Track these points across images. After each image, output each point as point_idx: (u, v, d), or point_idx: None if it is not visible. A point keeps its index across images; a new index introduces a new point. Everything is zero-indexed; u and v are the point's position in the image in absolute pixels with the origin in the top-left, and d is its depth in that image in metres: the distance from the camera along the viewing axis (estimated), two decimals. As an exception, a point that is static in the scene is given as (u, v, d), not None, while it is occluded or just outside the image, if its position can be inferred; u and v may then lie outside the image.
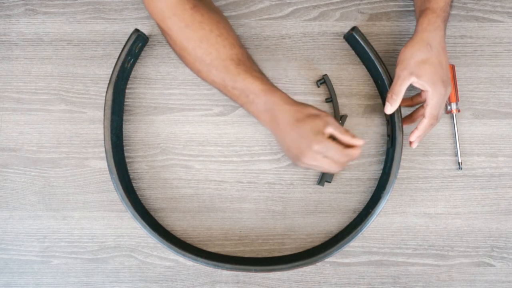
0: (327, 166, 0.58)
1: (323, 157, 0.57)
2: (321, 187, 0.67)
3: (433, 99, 0.59)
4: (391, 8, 0.68)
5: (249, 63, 0.61)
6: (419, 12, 0.62)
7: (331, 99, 0.66)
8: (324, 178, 0.66)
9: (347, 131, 0.57)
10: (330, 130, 0.56)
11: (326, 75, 0.66)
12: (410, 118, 0.65)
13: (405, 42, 0.67)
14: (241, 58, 0.60)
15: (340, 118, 0.65)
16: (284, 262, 0.63)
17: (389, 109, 0.61)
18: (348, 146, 0.57)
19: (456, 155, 0.67)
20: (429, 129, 0.62)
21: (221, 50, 0.59)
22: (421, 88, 0.59)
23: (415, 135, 0.62)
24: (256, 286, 0.66)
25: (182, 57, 0.62)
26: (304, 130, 0.56)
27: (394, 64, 0.67)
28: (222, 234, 0.67)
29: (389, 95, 0.60)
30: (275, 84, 0.67)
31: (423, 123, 0.61)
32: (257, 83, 0.59)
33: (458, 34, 0.68)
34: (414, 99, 0.65)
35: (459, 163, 0.66)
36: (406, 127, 0.67)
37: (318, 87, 0.67)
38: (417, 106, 0.66)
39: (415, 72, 0.58)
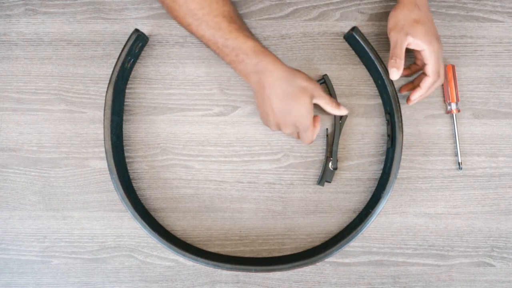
0: (299, 139, 0.64)
1: (299, 132, 0.61)
2: (321, 187, 0.67)
3: (432, 56, 0.60)
4: (391, 8, 0.68)
5: (240, 22, 0.61)
6: None
7: None
8: (324, 178, 0.65)
9: (332, 101, 0.61)
10: (315, 101, 0.60)
11: (326, 75, 0.66)
12: (411, 84, 0.66)
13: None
14: (233, 16, 0.60)
15: (340, 119, 0.65)
16: (284, 262, 0.63)
17: (395, 73, 0.60)
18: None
19: (456, 155, 0.67)
20: (433, 88, 0.62)
21: (214, 6, 0.59)
22: (417, 48, 0.60)
23: (417, 93, 0.62)
24: (256, 286, 0.66)
25: (171, 9, 0.61)
26: (292, 106, 0.59)
27: (394, 64, 0.67)
28: (222, 234, 0.67)
29: (392, 61, 0.59)
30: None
31: (427, 81, 0.61)
32: (249, 43, 0.58)
33: (458, 34, 0.68)
34: (412, 67, 0.66)
35: (459, 163, 0.67)
36: (406, 127, 0.67)
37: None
38: (415, 76, 0.67)
39: (410, 32, 0.59)
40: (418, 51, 0.61)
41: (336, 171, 0.67)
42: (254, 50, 0.58)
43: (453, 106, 0.66)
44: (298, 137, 0.63)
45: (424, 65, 0.61)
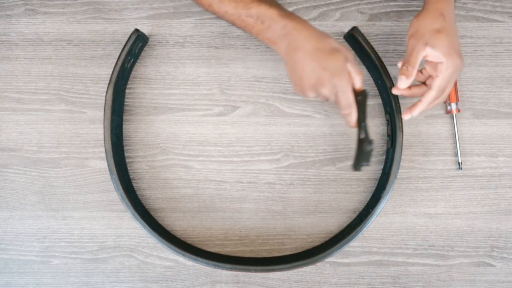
0: (336, 101, 0.57)
1: (337, 92, 0.56)
2: (320, 187, 0.67)
3: (447, 70, 0.56)
4: (391, 8, 0.68)
5: None
6: None
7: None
8: (361, 161, 0.59)
9: (361, 72, 0.58)
10: (349, 66, 0.56)
11: (364, 90, 0.59)
12: (409, 89, 0.61)
13: (406, 42, 0.67)
14: None
15: (359, 95, 0.59)
16: (284, 262, 0.63)
17: (404, 82, 0.57)
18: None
19: (456, 155, 0.67)
20: (433, 104, 0.59)
21: None
22: (435, 60, 0.57)
23: (418, 108, 0.59)
24: (256, 286, 0.66)
25: None
26: (327, 62, 0.56)
27: (394, 64, 0.67)
28: (222, 234, 0.67)
29: (403, 68, 0.57)
30: (275, 86, 0.68)
31: (429, 96, 0.58)
32: (273, 9, 0.57)
33: (458, 34, 0.68)
34: (424, 71, 0.61)
35: (459, 163, 0.66)
36: (406, 127, 0.67)
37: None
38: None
39: (430, 42, 0.56)
40: (433, 62, 0.58)
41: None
42: (279, 14, 0.57)
43: (453, 106, 0.66)
44: (336, 101, 0.58)
45: (433, 77, 0.58)
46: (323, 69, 0.55)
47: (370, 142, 0.59)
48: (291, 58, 0.57)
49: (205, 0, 0.59)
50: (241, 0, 0.57)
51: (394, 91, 0.60)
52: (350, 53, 0.57)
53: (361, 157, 0.59)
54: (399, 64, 0.59)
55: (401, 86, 0.58)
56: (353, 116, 0.58)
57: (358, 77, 0.57)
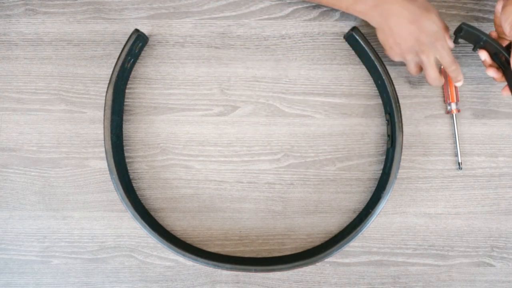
0: (433, 68, 0.60)
1: (437, 57, 0.59)
2: (320, 187, 0.67)
3: None
4: (391, 8, 0.68)
5: None
6: None
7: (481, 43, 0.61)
8: None
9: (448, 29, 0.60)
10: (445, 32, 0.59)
11: (463, 23, 0.60)
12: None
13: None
14: None
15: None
16: (284, 262, 0.63)
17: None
18: None
19: (456, 155, 0.67)
20: None
21: None
22: None
23: None
24: (256, 286, 0.66)
25: None
26: (426, 24, 0.58)
27: (394, 64, 0.67)
28: (222, 234, 0.67)
29: None
30: (275, 86, 0.68)
31: None
32: None
33: (458, 34, 0.68)
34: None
35: (459, 163, 0.67)
36: (406, 127, 0.67)
37: (457, 44, 0.63)
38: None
39: None
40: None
41: (336, 172, 0.66)
42: None
43: (453, 106, 0.66)
44: (437, 65, 0.60)
45: None
46: (421, 31, 0.58)
47: None
48: (386, 25, 0.60)
49: None
50: None
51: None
52: (436, 11, 0.59)
53: None
54: (484, 60, 0.61)
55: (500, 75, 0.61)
56: (460, 71, 0.61)
57: (451, 42, 0.60)
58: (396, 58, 0.62)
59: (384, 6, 0.59)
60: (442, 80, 0.62)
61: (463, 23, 0.60)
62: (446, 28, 0.61)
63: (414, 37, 0.59)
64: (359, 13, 0.61)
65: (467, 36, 0.61)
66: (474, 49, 0.62)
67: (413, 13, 0.58)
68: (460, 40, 0.61)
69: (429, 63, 0.60)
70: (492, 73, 0.62)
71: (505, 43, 0.60)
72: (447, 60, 0.60)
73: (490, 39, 0.60)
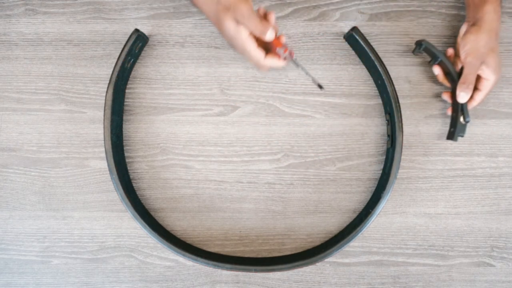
0: (252, 62, 0.61)
1: (245, 56, 0.60)
2: (320, 187, 0.67)
3: (491, 86, 0.61)
4: (391, 8, 0.68)
5: None
6: None
7: (436, 59, 0.64)
8: (457, 132, 0.63)
9: (265, 26, 0.58)
10: (243, 27, 0.58)
11: (424, 40, 0.64)
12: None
13: (406, 42, 0.67)
14: None
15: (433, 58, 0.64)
16: (284, 262, 0.63)
17: (465, 98, 0.61)
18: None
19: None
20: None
21: None
22: (485, 77, 0.61)
23: (472, 105, 0.63)
24: (256, 286, 0.66)
25: None
26: (223, 31, 0.59)
27: (394, 64, 0.67)
28: (222, 234, 0.67)
29: (463, 86, 0.60)
30: (275, 86, 0.68)
31: (472, 106, 0.63)
32: None
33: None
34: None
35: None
36: (406, 127, 0.67)
37: (416, 55, 0.67)
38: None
39: (486, 61, 0.60)
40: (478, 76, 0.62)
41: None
42: None
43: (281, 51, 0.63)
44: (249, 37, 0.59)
45: (481, 87, 0.62)
46: (224, 36, 0.60)
47: (467, 115, 0.62)
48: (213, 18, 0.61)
49: None
50: None
51: (463, 100, 0.62)
52: (240, 7, 0.57)
53: (458, 128, 0.63)
54: (438, 75, 0.64)
55: (464, 101, 0.62)
56: (267, 25, 0.58)
57: (257, 30, 0.58)
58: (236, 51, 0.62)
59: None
60: (261, 61, 0.60)
61: (424, 40, 0.63)
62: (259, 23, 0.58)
63: (224, 37, 0.60)
64: (196, 3, 0.62)
65: (426, 51, 0.64)
66: (430, 63, 0.65)
67: (212, 16, 0.60)
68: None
69: (239, 34, 0.58)
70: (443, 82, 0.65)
71: (459, 66, 0.63)
72: (249, 22, 0.57)
73: (445, 59, 0.63)
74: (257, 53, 0.59)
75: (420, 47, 0.64)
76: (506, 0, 0.68)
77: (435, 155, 0.67)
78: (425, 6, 0.68)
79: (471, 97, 0.62)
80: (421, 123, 0.68)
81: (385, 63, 0.64)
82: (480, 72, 0.61)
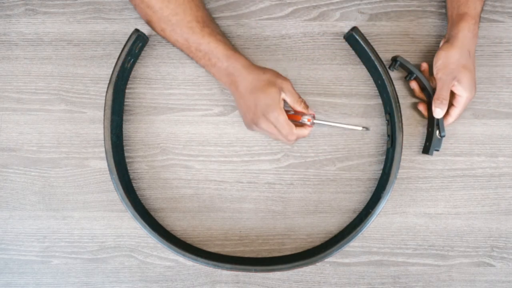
0: (279, 137, 0.61)
1: (275, 126, 0.60)
2: (320, 187, 0.67)
3: (465, 103, 0.62)
4: (391, 8, 0.68)
5: (213, 25, 0.63)
6: (456, 15, 0.63)
7: (412, 76, 0.65)
8: (433, 147, 0.64)
9: (300, 100, 0.61)
10: (283, 96, 0.60)
11: (399, 56, 0.64)
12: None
13: (406, 42, 0.67)
14: (206, 20, 0.62)
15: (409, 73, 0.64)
16: (284, 262, 0.63)
17: (441, 113, 0.62)
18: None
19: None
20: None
21: (188, 12, 0.60)
22: (458, 93, 0.62)
23: (448, 122, 0.64)
24: (256, 286, 0.66)
25: (145, 14, 0.62)
26: (261, 97, 0.59)
27: (394, 64, 0.67)
28: (222, 234, 0.67)
29: (438, 102, 0.61)
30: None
31: (448, 122, 0.64)
32: (221, 48, 0.61)
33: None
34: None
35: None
36: (406, 127, 0.67)
37: (392, 71, 0.67)
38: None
39: (458, 77, 0.61)
40: (452, 92, 0.62)
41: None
42: (225, 54, 0.61)
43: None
44: (281, 137, 0.62)
45: (455, 104, 0.63)
46: (257, 104, 0.60)
47: (443, 129, 0.63)
48: (235, 97, 0.62)
49: (159, 26, 0.62)
50: (192, 33, 0.61)
51: (439, 116, 0.63)
52: (287, 84, 0.60)
53: (433, 143, 0.64)
54: (414, 89, 0.66)
55: (439, 117, 0.62)
56: (296, 138, 0.62)
57: (295, 104, 0.61)
58: (247, 126, 0.63)
59: (233, 78, 0.61)
60: (291, 134, 0.61)
61: (399, 56, 0.64)
62: (292, 96, 0.60)
63: (252, 111, 0.60)
64: (214, 75, 0.63)
65: (402, 66, 0.65)
66: (406, 78, 0.65)
67: (254, 88, 0.60)
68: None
69: (270, 134, 0.61)
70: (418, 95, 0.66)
71: (434, 82, 0.64)
72: (275, 137, 0.62)
73: (421, 75, 0.63)
74: (289, 124, 0.60)
75: (395, 63, 0.65)
76: (506, 0, 0.68)
77: (435, 155, 0.67)
78: (425, 6, 0.68)
79: (447, 113, 0.63)
80: (421, 123, 0.68)
81: (385, 63, 0.64)
82: (453, 88, 0.61)
